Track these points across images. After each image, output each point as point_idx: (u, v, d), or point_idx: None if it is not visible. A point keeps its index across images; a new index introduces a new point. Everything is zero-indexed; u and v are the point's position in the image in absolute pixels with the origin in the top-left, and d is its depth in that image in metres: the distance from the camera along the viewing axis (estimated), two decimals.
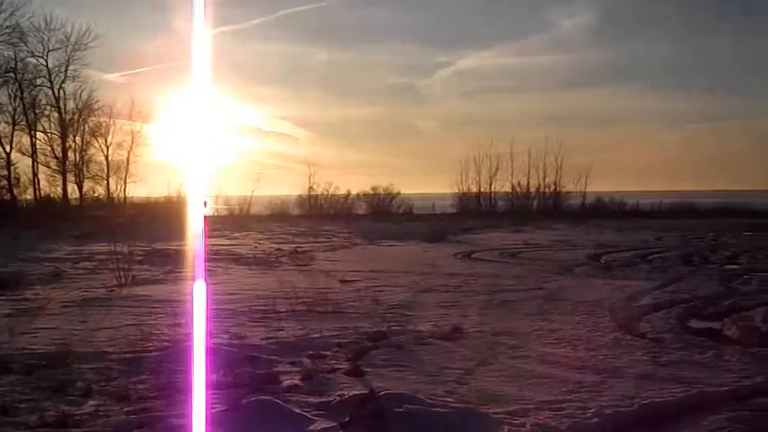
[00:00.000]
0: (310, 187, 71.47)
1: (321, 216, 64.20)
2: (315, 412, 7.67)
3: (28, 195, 58.35)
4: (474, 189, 74.96)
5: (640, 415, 7.87)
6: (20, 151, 57.06)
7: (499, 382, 9.15)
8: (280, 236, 39.88)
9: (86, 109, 59.39)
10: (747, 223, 52.89)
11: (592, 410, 7.85)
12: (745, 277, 20.83)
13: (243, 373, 9.22)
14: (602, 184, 79.80)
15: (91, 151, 60.46)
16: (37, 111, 57.84)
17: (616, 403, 8.13)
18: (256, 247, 32.39)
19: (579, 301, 15.80)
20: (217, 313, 13.66)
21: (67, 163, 58.97)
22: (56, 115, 58.55)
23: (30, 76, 57.22)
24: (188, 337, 11.06)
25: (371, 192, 74.49)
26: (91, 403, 8.12)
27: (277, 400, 7.74)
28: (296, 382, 8.96)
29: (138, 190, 62.37)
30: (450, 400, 8.16)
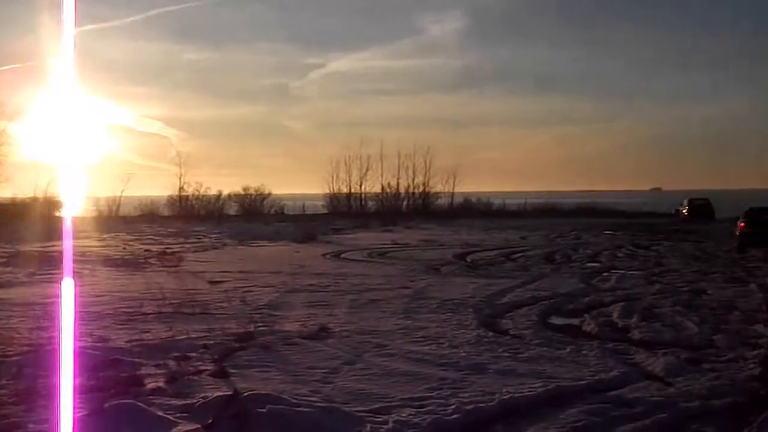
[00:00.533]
0: (181, 188, 70.64)
1: (192, 217, 63.48)
2: (178, 415, 7.64)
3: None
4: (345, 189, 75.34)
5: (500, 410, 8.09)
6: None
7: (363, 381, 9.26)
8: (149, 237, 39.31)
9: None
10: (608, 223, 54.59)
11: (453, 406, 8.03)
12: (605, 274, 21.52)
13: (106, 377, 9.08)
14: (470, 185, 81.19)
15: None
16: None
17: (476, 399, 8.34)
18: (124, 248, 31.84)
19: (444, 300, 16.06)
20: (82, 316, 13.39)
21: None
22: None
23: None
24: (51, 340, 10.85)
25: (242, 192, 74.09)
26: None
27: (140, 404, 7.66)
28: (160, 384, 8.88)
29: (4, 190, 60.38)
30: (314, 399, 8.23)
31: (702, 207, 59.20)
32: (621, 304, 15.60)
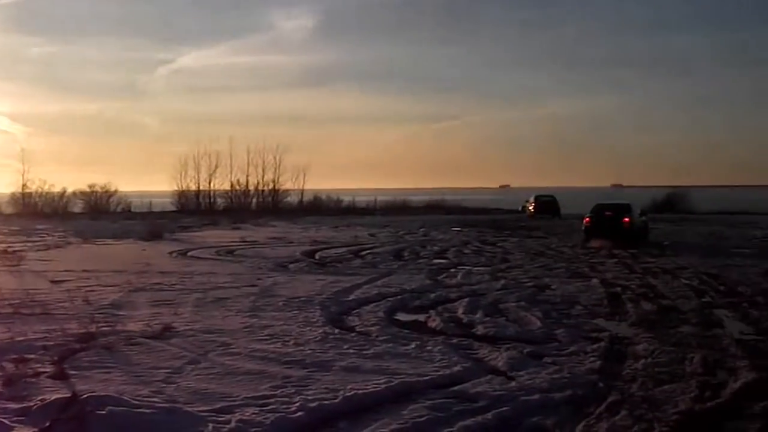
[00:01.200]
0: (24, 185, 68.21)
1: (35, 214, 61.31)
2: (14, 419, 7.39)
3: None
4: (193, 187, 74.26)
5: (344, 407, 8.07)
6: None
7: (207, 380, 9.10)
8: None
9: None
10: (456, 219, 55.48)
11: (296, 404, 7.98)
12: (452, 270, 21.79)
13: None
14: (320, 182, 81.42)
15: None
16: None
17: (320, 397, 8.31)
18: None
19: (291, 297, 15.96)
20: None
21: None
22: None
23: None
24: None
25: (88, 190, 72.18)
26: None
27: None
28: None
29: None
30: (156, 400, 8.05)
31: (548, 204, 60.67)
32: (466, 300, 15.80)
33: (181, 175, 74.03)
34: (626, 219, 32.52)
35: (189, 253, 27.84)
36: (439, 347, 11.10)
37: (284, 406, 7.94)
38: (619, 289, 17.63)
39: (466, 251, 28.71)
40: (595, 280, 19.13)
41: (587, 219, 33.38)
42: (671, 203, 69.93)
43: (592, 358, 10.49)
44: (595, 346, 11.32)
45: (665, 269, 21.56)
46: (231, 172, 74.25)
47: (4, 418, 7.35)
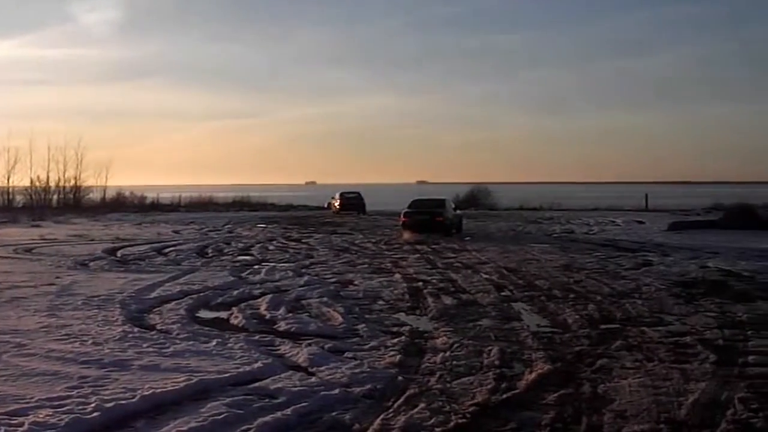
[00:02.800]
0: None
1: None
2: None
3: None
4: None
5: (141, 406, 7.89)
6: None
7: (0, 383, 8.71)
8: None
9: None
10: (262, 216, 55.27)
11: (92, 405, 7.76)
12: (256, 267, 21.66)
13: None
14: (126, 179, 79.49)
15: None
16: None
17: (118, 396, 8.11)
18: None
19: (91, 296, 15.48)
20: None
21: None
22: None
23: None
24: None
25: None
26: None
27: None
28: None
29: None
30: None
31: (353, 200, 61.10)
32: (270, 296, 15.76)
33: None
34: (441, 214, 35.28)
35: None
36: (240, 344, 11.01)
37: (80, 407, 7.69)
38: (420, 284, 17.95)
39: (270, 248, 28.61)
40: (397, 276, 19.42)
41: (403, 215, 35.50)
42: (474, 199, 71.82)
43: (392, 353, 10.63)
44: (395, 340, 11.49)
45: (466, 264, 22.10)
46: (31, 168, 71.31)
47: None
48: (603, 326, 12.66)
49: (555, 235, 34.75)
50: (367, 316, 13.77)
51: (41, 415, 7.46)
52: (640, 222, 44.62)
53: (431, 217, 34.93)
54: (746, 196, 56.96)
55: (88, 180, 72.03)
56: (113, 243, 30.41)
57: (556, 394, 8.51)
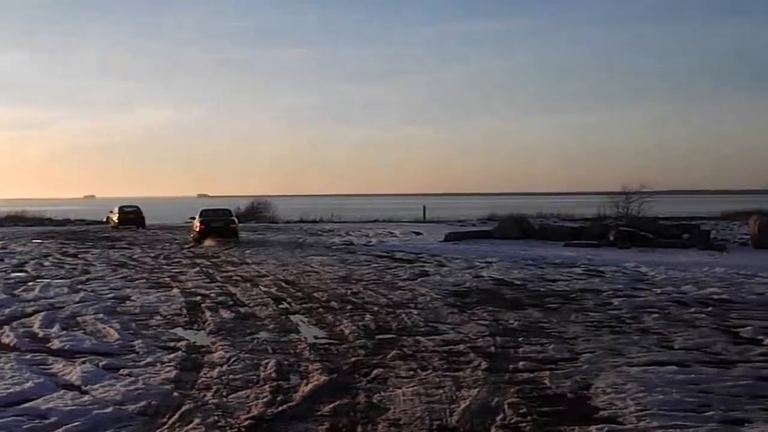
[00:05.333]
0: None
1: None
2: None
3: None
4: None
5: None
6: None
7: None
8: None
9: None
10: (37, 231, 53.26)
11: None
12: (30, 284, 20.85)
13: None
14: None
15: None
16: None
17: None
18: None
19: None
20: None
21: None
22: None
23: None
24: None
25: None
26: None
27: None
28: None
29: None
30: None
31: (132, 214, 59.67)
32: (43, 313, 15.25)
33: None
34: (234, 222, 40.73)
35: None
36: (11, 364, 10.63)
37: None
38: (199, 298, 17.77)
39: (46, 264, 27.57)
40: (176, 290, 19.14)
41: (199, 224, 39.06)
42: (255, 212, 71.61)
43: (168, 368, 10.49)
44: (172, 355, 11.33)
45: (245, 277, 22.02)
46: None
47: None
48: (379, 336, 12.92)
49: (334, 247, 35.08)
50: (143, 331, 13.52)
51: None
52: (418, 233, 45.64)
53: (226, 224, 39.73)
54: (519, 207, 59.32)
55: None
56: None
57: (331, 405, 8.63)
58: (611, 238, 35.70)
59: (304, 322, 14.58)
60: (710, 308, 15.71)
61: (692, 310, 15.52)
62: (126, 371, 10.36)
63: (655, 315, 14.83)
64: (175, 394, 9.13)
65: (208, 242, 37.61)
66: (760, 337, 12.58)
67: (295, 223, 64.18)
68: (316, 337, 13.00)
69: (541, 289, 18.87)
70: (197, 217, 40.07)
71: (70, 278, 22.41)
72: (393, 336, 12.97)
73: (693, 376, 9.89)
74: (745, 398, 8.90)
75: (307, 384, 9.67)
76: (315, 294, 18.31)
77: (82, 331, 13.63)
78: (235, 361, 10.95)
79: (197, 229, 39.20)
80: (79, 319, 14.81)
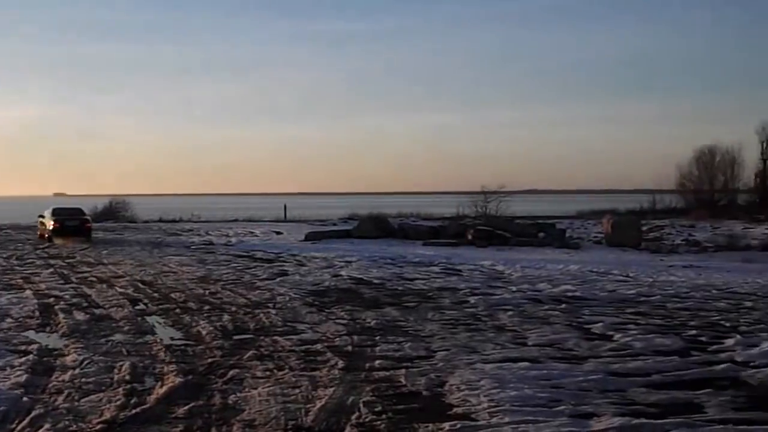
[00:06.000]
0: None
1: None
2: None
3: None
4: None
5: None
6: None
7: None
8: None
9: None
10: None
11: None
12: None
13: None
14: None
15: None
16: None
17: None
18: None
19: None
20: None
21: None
22: None
23: None
24: None
25: None
26: None
27: None
28: None
29: None
30: None
31: None
32: None
33: None
34: (89, 221, 40.93)
35: None
36: None
37: None
38: (52, 300, 17.29)
39: None
40: (28, 292, 18.59)
41: (54, 222, 38.60)
42: (113, 211, 70.06)
43: (18, 373, 10.18)
44: (22, 359, 11.00)
45: (101, 278, 21.57)
46: None
47: None
48: (237, 337, 12.84)
49: (194, 247, 34.65)
50: None
51: None
52: (279, 233, 45.55)
53: (81, 223, 39.66)
54: (380, 207, 59.82)
55: None
56: None
57: (186, 407, 8.53)
58: (469, 237, 36.35)
59: (160, 324, 14.38)
60: (564, 305, 16.20)
61: (546, 307, 15.99)
62: None
63: (510, 312, 15.20)
64: (25, 399, 8.87)
65: (61, 241, 37.21)
66: (611, 333, 13.02)
67: (155, 222, 63.05)
68: (172, 339, 12.83)
69: (399, 288, 19.11)
70: (49, 215, 39.50)
71: None
72: (250, 336, 12.92)
73: (545, 371, 10.16)
74: (595, 392, 9.16)
75: (162, 386, 9.54)
76: (172, 295, 18.08)
77: None
78: (88, 363, 10.71)
79: (51, 228, 38.55)
80: None
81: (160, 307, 16.31)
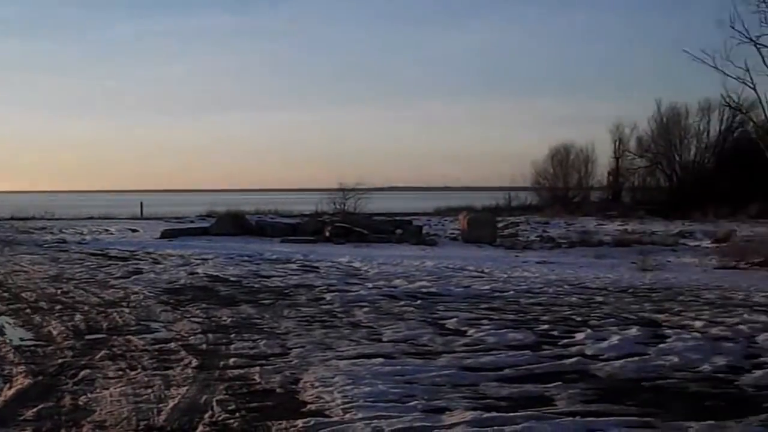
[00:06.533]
0: None
1: None
2: None
3: None
4: None
5: None
6: None
7: None
8: None
9: None
10: None
11: None
12: None
13: None
14: None
15: None
16: None
17: None
18: None
19: None
20: None
21: None
22: None
23: None
24: None
25: None
26: None
27: None
28: None
29: None
30: None
31: None
32: None
33: None
34: None
35: None
36: None
37: None
38: None
39: None
40: None
41: None
42: None
43: None
44: None
45: None
46: None
47: None
48: (89, 337, 12.56)
49: (46, 245, 33.70)
50: None
51: None
52: (134, 230, 44.80)
53: None
54: (238, 204, 59.45)
55: None
56: None
57: (35, 409, 8.31)
58: (327, 233, 36.55)
59: (9, 324, 13.95)
60: (419, 301, 16.42)
61: (402, 303, 16.19)
62: None
63: (366, 309, 15.33)
64: None
65: None
66: (465, 329, 13.26)
67: (6, 220, 61.03)
68: (22, 339, 12.47)
69: (256, 285, 19.06)
70: None
71: None
72: (103, 336, 12.67)
73: (399, 367, 10.28)
74: (448, 387, 9.32)
75: (10, 388, 9.28)
76: (23, 294, 17.57)
77: None
78: None
79: None
80: None
81: (10, 307, 15.83)
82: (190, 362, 10.66)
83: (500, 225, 43.20)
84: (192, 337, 12.50)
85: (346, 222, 38.77)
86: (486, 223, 39.32)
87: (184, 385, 9.41)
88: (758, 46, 29.03)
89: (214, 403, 8.62)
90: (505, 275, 22.01)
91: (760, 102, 30.82)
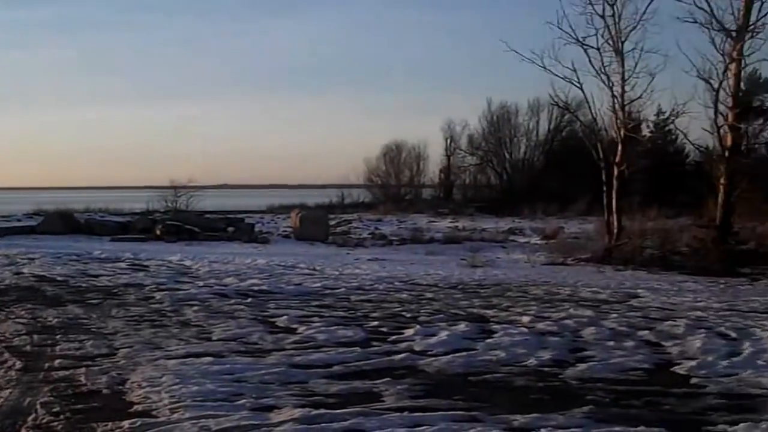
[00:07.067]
0: None
1: None
2: None
3: None
4: None
5: None
6: None
7: None
8: None
9: None
10: None
11: None
12: None
13: None
14: None
15: None
16: None
17: None
18: None
19: None
20: None
21: None
22: None
23: None
24: None
25: None
26: None
27: None
28: None
29: None
30: None
31: None
32: None
33: None
34: None
35: None
36: None
37: None
38: None
39: None
40: None
41: None
42: None
43: None
44: None
45: None
46: None
47: None
48: None
49: None
50: None
51: None
52: None
53: None
54: (67, 202, 57.80)
55: None
56: None
57: None
58: (158, 232, 36.09)
59: None
60: (250, 299, 16.42)
61: (232, 301, 16.16)
62: None
63: (196, 307, 15.23)
64: None
65: None
66: (295, 326, 13.34)
67: None
68: None
69: (84, 285, 18.67)
70: None
71: None
72: None
73: (228, 366, 10.26)
74: (277, 385, 9.36)
75: None
76: None
77: None
78: None
79: None
80: None
81: None
82: (13, 364, 10.39)
83: (333, 222, 43.54)
84: (16, 339, 12.15)
85: (177, 220, 38.30)
86: (318, 220, 39.59)
87: (7, 388, 9.18)
88: (585, 47, 30.05)
89: (38, 406, 8.44)
90: (337, 272, 22.24)
91: (587, 101, 31.87)
